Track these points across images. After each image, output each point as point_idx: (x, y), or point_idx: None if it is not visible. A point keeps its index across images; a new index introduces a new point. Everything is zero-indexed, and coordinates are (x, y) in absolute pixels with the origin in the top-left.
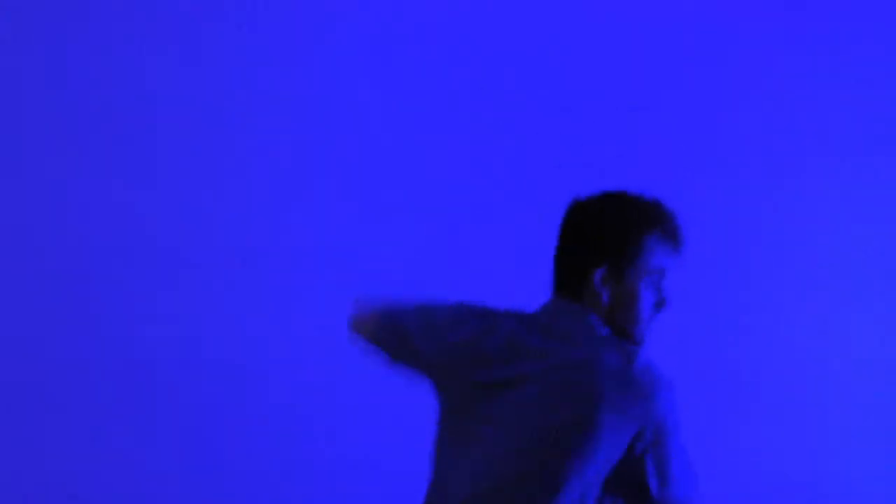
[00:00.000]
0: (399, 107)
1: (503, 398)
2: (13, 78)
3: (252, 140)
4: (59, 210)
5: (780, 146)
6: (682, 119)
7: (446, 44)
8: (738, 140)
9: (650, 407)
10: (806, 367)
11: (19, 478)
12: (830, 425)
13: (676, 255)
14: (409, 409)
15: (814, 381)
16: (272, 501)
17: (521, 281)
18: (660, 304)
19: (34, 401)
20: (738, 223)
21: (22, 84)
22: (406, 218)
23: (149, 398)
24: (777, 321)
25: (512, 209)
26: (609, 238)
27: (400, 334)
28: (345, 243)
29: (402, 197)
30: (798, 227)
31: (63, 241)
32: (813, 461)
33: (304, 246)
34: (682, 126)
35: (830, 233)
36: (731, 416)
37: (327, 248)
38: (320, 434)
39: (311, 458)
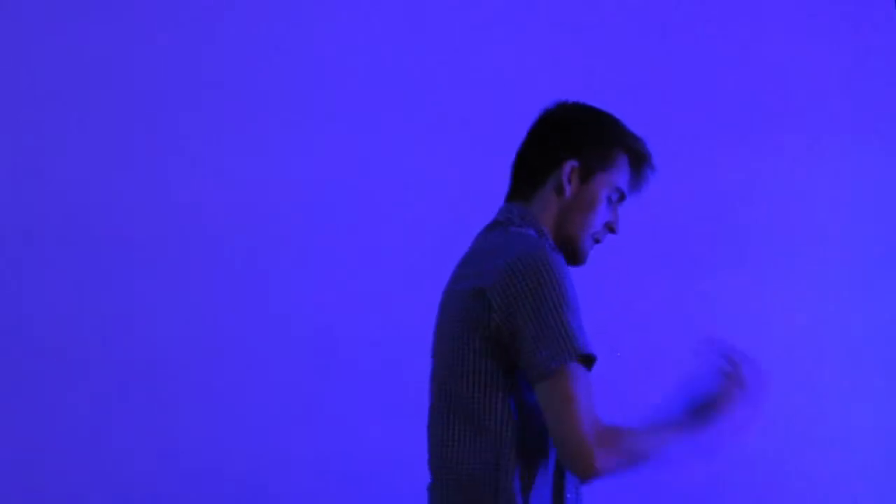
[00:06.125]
0: (395, 105)
1: None
2: (13, 76)
3: (248, 139)
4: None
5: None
6: (674, 118)
7: (441, 42)
8: (729, 138)
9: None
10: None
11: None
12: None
13: (637, 188)
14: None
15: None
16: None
17: None
18: (610, 226)
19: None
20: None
21: (21, 83)
22: (401, 217)
23: (148, 395)
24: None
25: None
26: (590, 136)
27: None
28: (342, 241)
29: (397, 195)
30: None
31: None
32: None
33: (302, 244)
34: (673, 124)
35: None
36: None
37: (324, 246)
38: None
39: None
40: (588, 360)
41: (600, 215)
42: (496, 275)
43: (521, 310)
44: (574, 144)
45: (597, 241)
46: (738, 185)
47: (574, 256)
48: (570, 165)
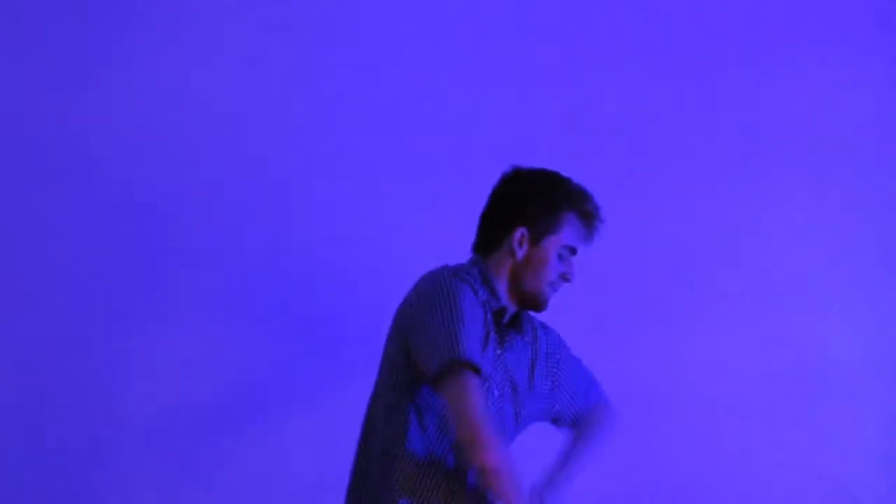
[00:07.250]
0: (393, 102)
1: None
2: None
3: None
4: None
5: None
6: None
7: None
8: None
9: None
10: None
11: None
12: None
13: (587, 240)
14: None
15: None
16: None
17: None
18: (564, 277)
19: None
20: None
21: (25, 86)
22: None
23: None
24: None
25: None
26: (539, 205)
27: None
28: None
29: (398, 192)
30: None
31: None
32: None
33: (300, 241)
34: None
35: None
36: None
37: (324, 243)
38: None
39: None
40: (474, 368)
41: (553, 270)
42: (409, 298)
43: (420, 322)
44: (524, 213)
45: (554, 290)
46: (736, 193)
47: (535, 305)
48: (520, 232)
